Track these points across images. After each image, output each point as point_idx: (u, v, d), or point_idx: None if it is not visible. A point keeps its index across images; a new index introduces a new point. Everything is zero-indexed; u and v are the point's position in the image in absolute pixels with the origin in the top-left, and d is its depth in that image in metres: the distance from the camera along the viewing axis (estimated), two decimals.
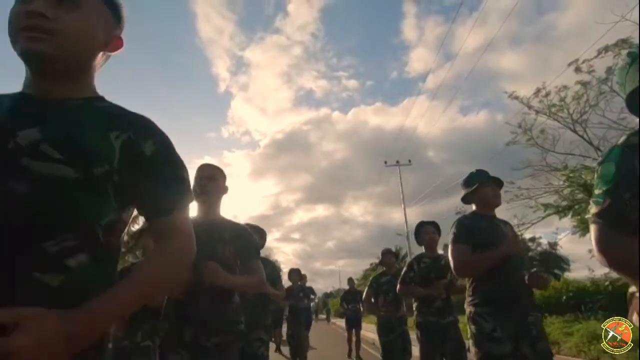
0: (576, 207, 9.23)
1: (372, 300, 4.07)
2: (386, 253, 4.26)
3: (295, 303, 5.81)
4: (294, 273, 6.15)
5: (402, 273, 3.14)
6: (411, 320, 3.91)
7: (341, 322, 21.48)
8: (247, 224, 2.82)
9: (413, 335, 3.62)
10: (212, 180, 1.75)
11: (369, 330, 8.64)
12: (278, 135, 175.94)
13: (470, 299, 1.98)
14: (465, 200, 2.17)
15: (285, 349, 6.58)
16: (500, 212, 2.20)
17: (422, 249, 3.16)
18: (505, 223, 2.15)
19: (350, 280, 7.86)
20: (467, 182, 2.13)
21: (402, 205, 19.07)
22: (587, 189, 8.50)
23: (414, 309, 3.01)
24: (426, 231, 3.15)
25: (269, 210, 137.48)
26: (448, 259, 2.88)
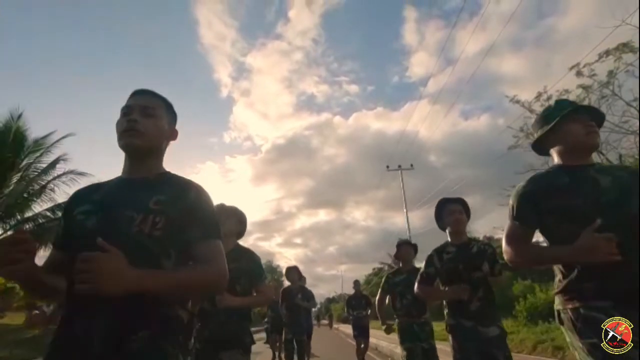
0: None
1: (390, 303, 3.41)
2: (402, 244, 3.48)
3: (293, 305, 5.13)
4: (292, 272, 5.33)
5: (421, 269, 2.47)
6: (437, 331, 3.25)
7: (344, 328, 21.38)
8: (221, 204, 2.24)
9: (440, 345, 3.14)
10: (148, 115, 1.04)
11: (372, 336, 8.56)
12: (279, 140, 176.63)
13: (569, 290, 1.22)
14: (540, 147, 1.43)
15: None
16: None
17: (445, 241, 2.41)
18: (616, 169, 1.35)
19: (356, 283, 7.07)
20: (543, 118, 1.40)
21: (405, 210, 19.01)
22: None
23: (445, 311, 2.29)
24: (450, 211, 2.35)
25: (271, 215, 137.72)
26: (481, 246, 2.30)
